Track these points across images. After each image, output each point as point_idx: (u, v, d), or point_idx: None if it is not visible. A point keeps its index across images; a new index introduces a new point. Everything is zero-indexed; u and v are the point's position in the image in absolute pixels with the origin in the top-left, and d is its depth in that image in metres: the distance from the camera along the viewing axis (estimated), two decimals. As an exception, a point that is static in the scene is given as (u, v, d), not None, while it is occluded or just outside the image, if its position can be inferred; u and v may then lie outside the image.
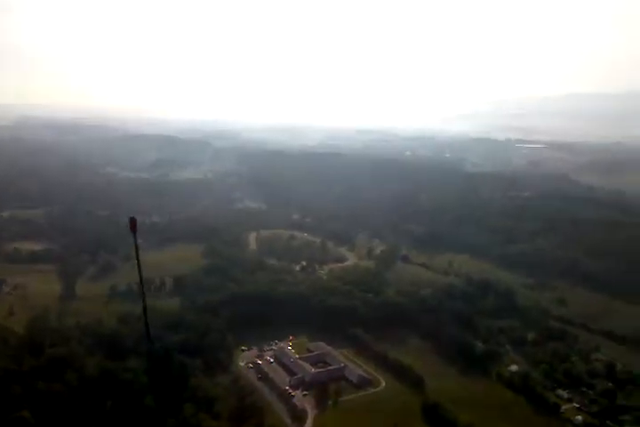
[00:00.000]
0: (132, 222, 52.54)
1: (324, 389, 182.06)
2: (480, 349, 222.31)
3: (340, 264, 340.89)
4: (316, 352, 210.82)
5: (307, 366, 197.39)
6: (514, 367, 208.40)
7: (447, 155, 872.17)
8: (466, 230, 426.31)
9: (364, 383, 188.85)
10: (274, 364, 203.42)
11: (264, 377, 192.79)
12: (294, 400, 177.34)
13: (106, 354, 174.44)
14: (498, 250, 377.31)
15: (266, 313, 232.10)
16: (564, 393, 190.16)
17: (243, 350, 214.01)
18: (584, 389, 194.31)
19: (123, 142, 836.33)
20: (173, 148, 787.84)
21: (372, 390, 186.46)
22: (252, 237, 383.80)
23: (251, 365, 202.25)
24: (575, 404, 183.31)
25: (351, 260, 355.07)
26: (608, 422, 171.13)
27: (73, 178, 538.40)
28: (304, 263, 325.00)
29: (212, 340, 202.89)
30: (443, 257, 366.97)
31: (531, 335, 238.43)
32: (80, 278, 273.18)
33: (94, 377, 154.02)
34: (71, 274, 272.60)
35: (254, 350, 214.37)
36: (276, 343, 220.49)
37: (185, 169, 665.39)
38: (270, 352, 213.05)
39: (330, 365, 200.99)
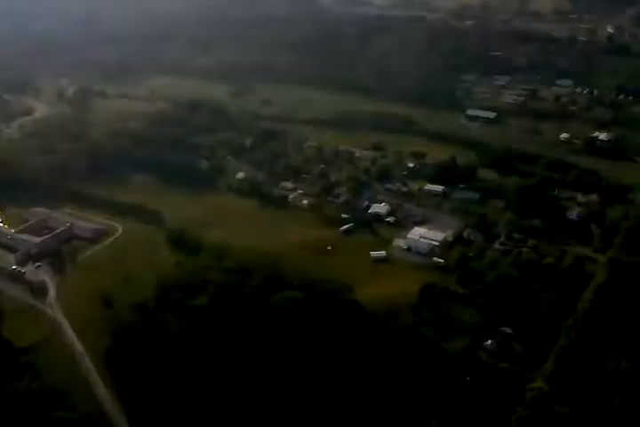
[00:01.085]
0: None
1: (58, 254, 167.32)
2: (205, 166, 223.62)
3: (29, 117, 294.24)
4: (35, 220, 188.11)
5: (29, 237, 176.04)
6: (240, 175, 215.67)
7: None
8: (162, 48, 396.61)
9: (99, 235, 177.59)
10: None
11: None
12: (28, 277, 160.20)
13: None
14: (197, 63, 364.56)
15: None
16: (289, 184, 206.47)
17: None
18: (304, 175, 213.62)
19: None
20: None
21: (111, 238, 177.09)
22: None
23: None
24: (299, 191, 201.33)
25: (41, 109, 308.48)
26: (329, 198, 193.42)
27: None
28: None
29: None
30: (144, 83, 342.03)
31: (248, 141, 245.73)
32: None
33: None
34: None
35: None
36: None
37: None
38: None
39: (55, 228, 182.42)
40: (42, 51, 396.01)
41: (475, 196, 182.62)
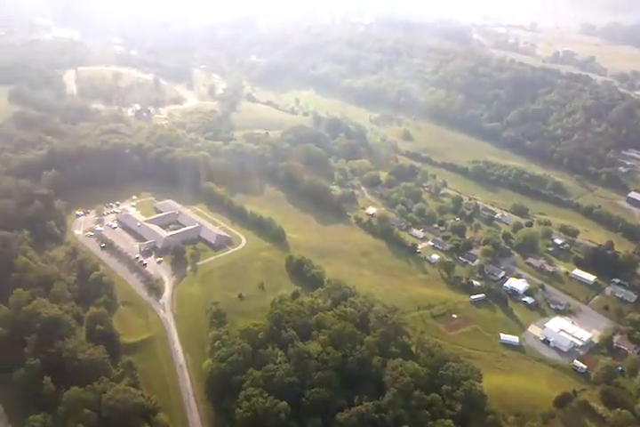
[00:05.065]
0: None
1: (180, 253, 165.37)
2: (336, 193, 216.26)
3: (179, 106, 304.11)
4: (166, 212, 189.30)
5: (157, 229, 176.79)
6: (371, 210, 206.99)
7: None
8: (310, 61, 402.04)
9: (223, 243, 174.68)
10: (118, 229, 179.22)
11: (108, 246, 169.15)
12: (148, 269, 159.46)
13: None
14: (344, 83, 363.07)
15: (99, 171, 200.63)
16: (420, 232, 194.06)
17: (78, 215, 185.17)
18: (436, 226, 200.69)
19: None
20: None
21: (233, 249, 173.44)
22: (69, 76, 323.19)
23: (90, 232, 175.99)
24: (430, 242, 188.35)
25: (191, 100, 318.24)
26: (460, 257, 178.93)
27: None
28: (137, 107, 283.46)
29: (36, 208, 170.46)
30: (289, 93, 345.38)
31: (383, 175, 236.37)
32: None
33: None
34: None
35: (92, 215, 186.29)
36: (118, 205, 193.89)
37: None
38: (112, 216, 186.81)
39: (183, 225, 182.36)
40: (205, 46, 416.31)
41: (632, 296, 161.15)
